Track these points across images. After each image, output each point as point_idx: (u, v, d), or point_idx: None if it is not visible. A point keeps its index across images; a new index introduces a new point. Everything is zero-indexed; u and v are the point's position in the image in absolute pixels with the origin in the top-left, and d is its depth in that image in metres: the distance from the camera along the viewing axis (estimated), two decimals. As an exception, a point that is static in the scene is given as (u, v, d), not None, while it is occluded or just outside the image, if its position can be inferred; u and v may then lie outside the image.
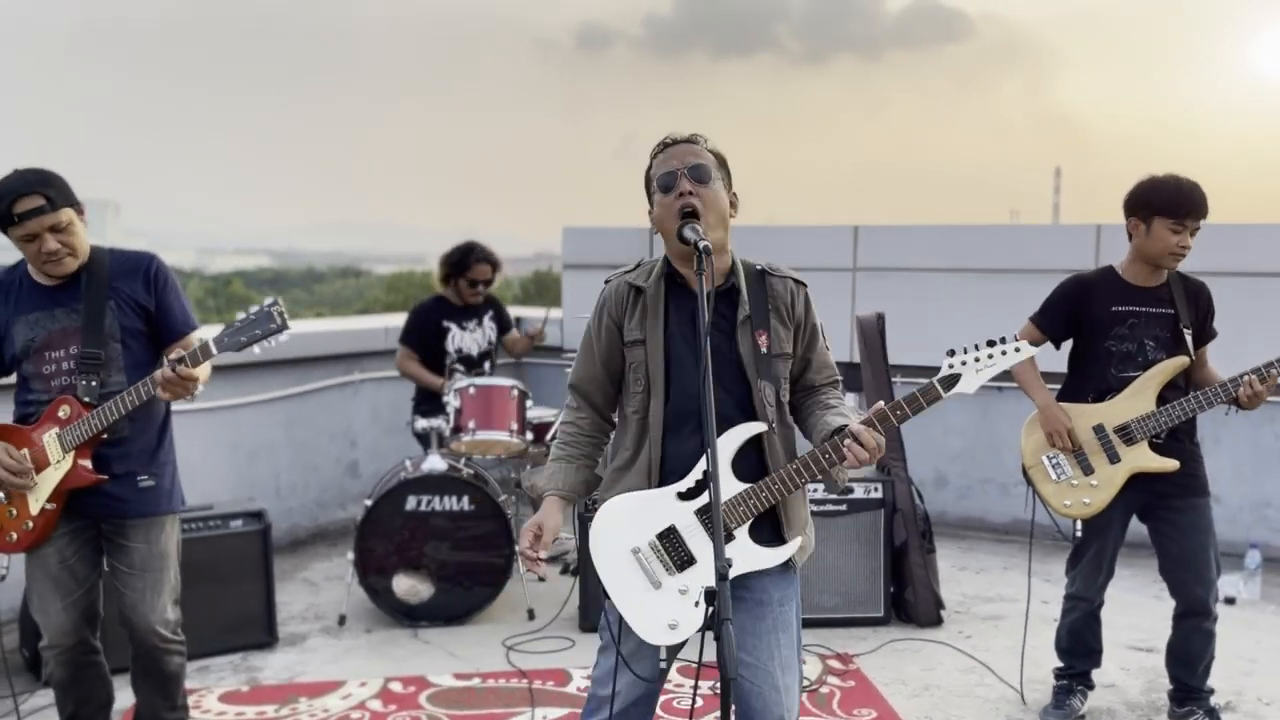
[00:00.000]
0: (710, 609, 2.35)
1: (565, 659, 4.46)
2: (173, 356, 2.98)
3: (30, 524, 3.12)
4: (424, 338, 5.62)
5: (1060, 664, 3.94)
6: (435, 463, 4.90)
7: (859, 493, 4.87)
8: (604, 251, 7.65)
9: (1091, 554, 3.72)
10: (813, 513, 4.94)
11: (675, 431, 2.51)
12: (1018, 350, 2.42)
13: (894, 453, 5.06)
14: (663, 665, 2.53)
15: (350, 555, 4.81)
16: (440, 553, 4.81)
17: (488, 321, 5.81)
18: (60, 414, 3.08)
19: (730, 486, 2.45)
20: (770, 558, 2.49)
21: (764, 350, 2.51)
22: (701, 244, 2.38)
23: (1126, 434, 3.53)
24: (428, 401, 5.49)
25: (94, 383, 3.09)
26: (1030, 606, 4.26)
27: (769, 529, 2.52)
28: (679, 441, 2.51)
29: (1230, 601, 5.11)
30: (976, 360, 2.43)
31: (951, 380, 2.41)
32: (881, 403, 2.44)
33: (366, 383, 6.70)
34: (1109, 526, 3.65)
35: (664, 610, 2.48)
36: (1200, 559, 3.58)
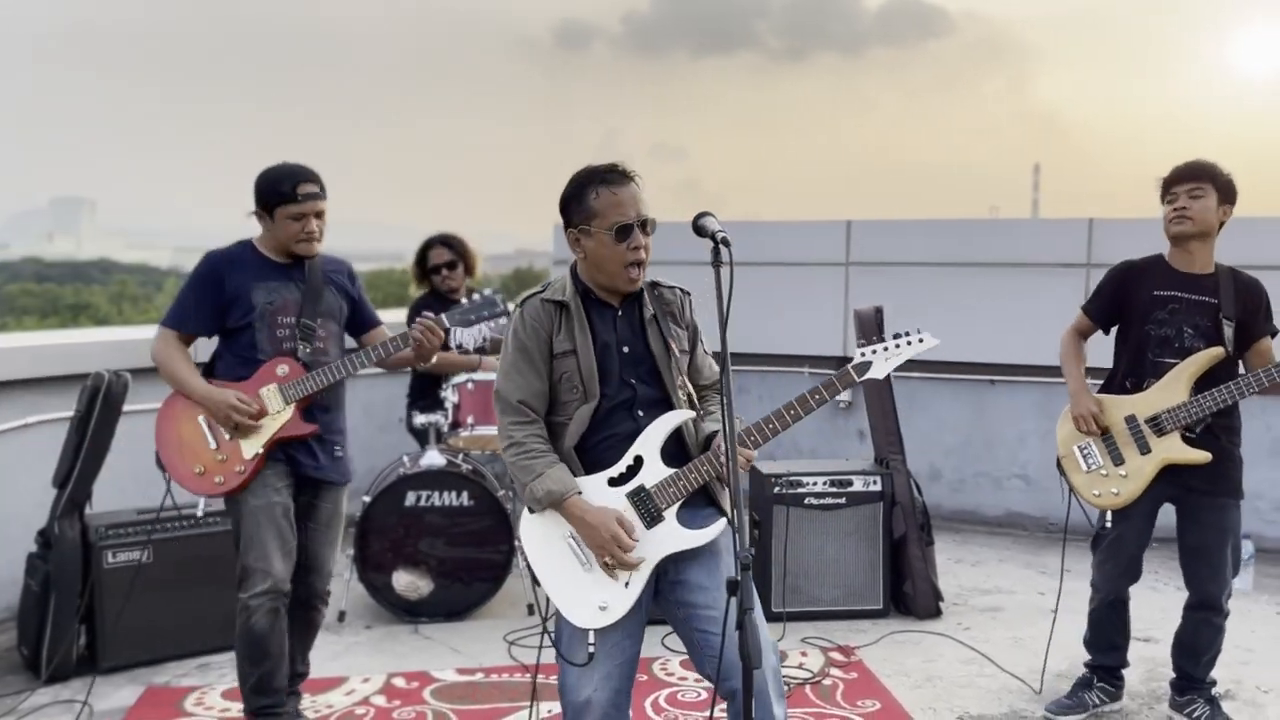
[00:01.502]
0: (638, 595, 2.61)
1: (567, 653, 4.45)
2: (418, 321, 3.49)
3: (241, 468, 3.45)
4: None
5: (1088, 655, 3.93)
6: (434, 458, 4.89)
7: (858, 486, 4.88)
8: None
9: (1108, 543, 3.70)
10: (812, 505, 4.96)
11: (606, 426, 2.69)
12: (921, 340, 2.73)
13: (893, 446, 5.08)
14: (590, 650, 2.61)
15: (349, 551, 4.79)
16: (439, 548, 4.80)
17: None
18: (279, 371, 3.48)
19: (659, 470, 2.65)
20: (697, 538, 2.64)
21: (674, 349, 2.75)
22: (719, 235, 2.51)
23: (1157, 424, 3.52)
24: (425, 397, 5.47)
25: (308, 349, 3.52)
26: (1058, 600, 4.19)
27: (702, 503, 2.71)
28: (609, 433, 2.68)
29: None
30: (885, 349, 2.73)
31: (864, 367, 2.71)
32: (805, 392, 2.70)
33: (357, 380, 6.65)
34: (1129, 516, 3.63)
35: (594, 592, 2.62)
36: (1218, 558, 3.59)
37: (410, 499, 4.78)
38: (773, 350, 6.95)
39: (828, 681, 4.16)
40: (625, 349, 2.72)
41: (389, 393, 6.55)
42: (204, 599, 4.39)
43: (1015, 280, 6.54)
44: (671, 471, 2.64)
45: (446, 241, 5.56)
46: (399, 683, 4.15)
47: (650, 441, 2.65)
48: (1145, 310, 3.59)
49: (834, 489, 4.88)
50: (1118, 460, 3.58)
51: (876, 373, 2.72)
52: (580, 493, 2.63)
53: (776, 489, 4.83)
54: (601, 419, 2.69)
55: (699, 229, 2.72)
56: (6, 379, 4.75)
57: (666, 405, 2.71)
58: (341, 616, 4.82)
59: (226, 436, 3.46)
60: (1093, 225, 6.33)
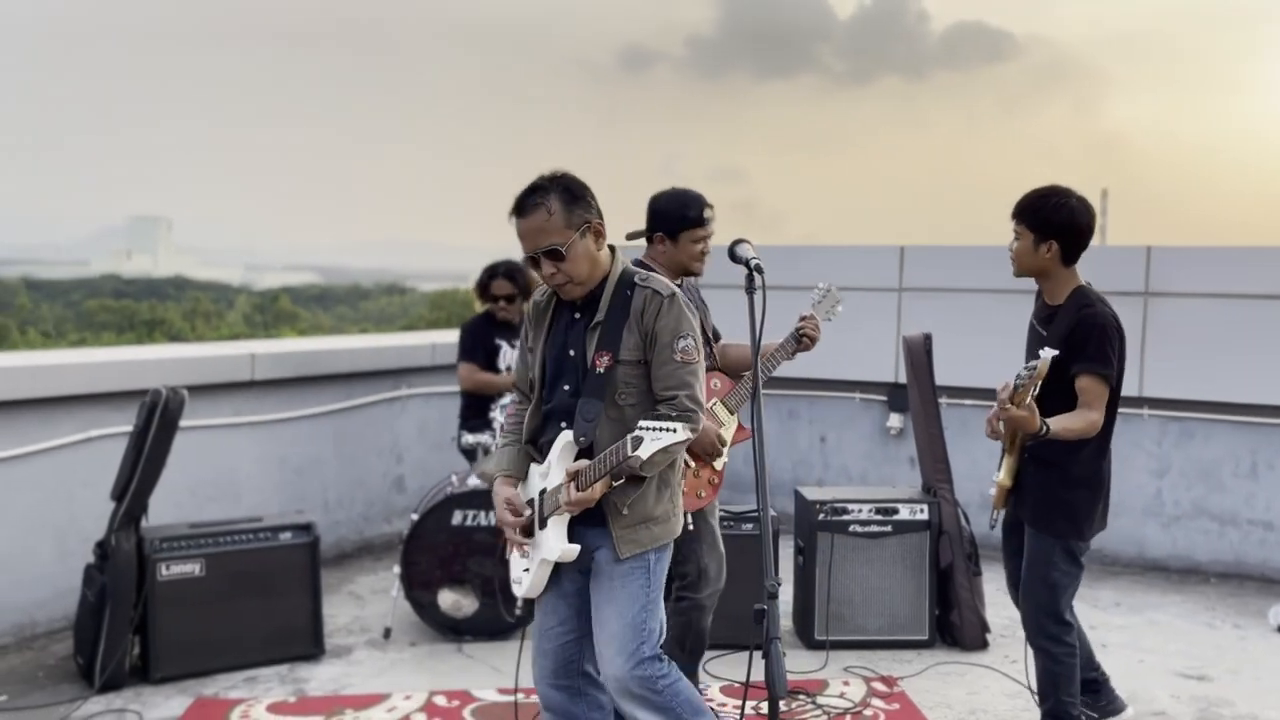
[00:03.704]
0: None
1: (608, 676, 4.46)
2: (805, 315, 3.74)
3: (715, 479, 3.65)
4: (485, 354, 5.65)
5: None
6: (481, 478, 4.94)
7: (904, 514, 4.84)
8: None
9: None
10: (857, 533, 4.89)
11: (550, 427, 2.89)
12: (674, 432, 2.56)
13: (940, 474, 5.03)
14: (518, 612, 2.89)
15: (396, 569, 4.85)
16: (485, 568, 4.84)
17: None
18: (712, 385, 3.64)
19: (555, 478, 2.81)
20: (551, 552, 2.80)
21: (599, 370, 2.79)
22: (753, 262, 2.67)
23: (1004, 446, 3.55)
24: (475, 417, 5.53)
25: (711, 361, 3.68)
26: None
27: (594, 519, 2.81)
28: (548, 437, 2.88)
29: (1282, 630, 5.03)
30: (657, 432, 2.57)
31: (637, 441, 2.56)
32: (582, 463, 2.73)
33: (413, 398, 6.77)
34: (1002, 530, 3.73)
35: (516, 565, 2.97)
36: (1022, 583, 3.57)
37: (457, 518, 4.83)
38: (823, 375, 6.91)
39: (869, 712, 4.12)
40: (571, 353, 2.86)
41: (443, 411, 6.64)
42: (253, 613, 4.47)
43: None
44: (559, 482, 2.80)
45: (510, 275, 5.66)
46: (440, 701, 4.19)
47: (555, 453, 2.83)
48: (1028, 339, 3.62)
49: (880, 517, 4.84)
50: (1000, 468, 3.59)
51: (643, 451, 2.56)
52: (508, 475, 2.96)
53: (821, 515, 4.80)
54: (546, 420, 2.92)
55: (734, 256, 2.75)
56: (69, 394, 4.90)
57: (598, 413, 2.80)
58: (387, 633, 4.88)
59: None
60: (1151, 253, 6.23)
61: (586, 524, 2.84)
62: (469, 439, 5.14)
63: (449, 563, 4.82)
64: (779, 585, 2.25)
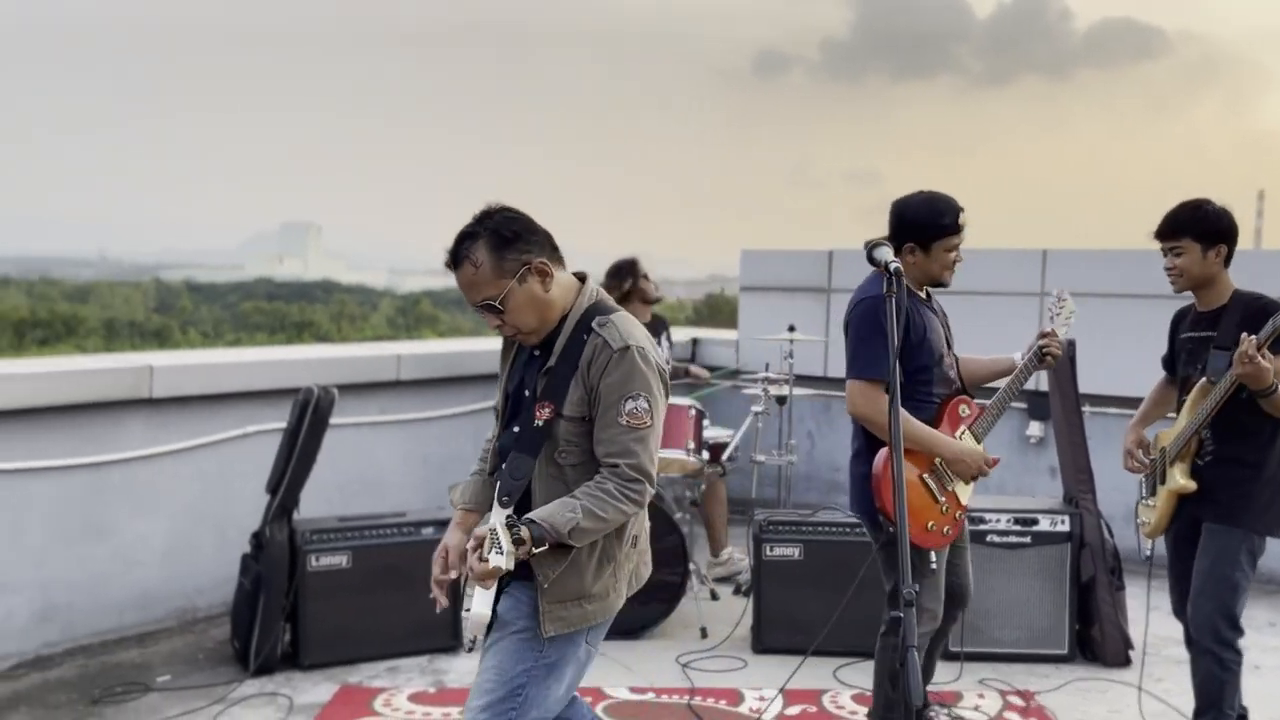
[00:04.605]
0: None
1: (738, 679, 4.49)
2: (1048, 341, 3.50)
3: (960, 514, 3.48)
4: None
5: None
6: (614, 479, 5.01)
7: (1044, 525, 4.73)
8: (781, 275, 7.66)
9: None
10: (994, 544, 4.79)
11: (509, 457, 2.58)
12: (502, 554, 2.35)
13: (1083, 485, 4.89)
14: (469, 643, 2.56)
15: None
16: (617, 568, 4.91)
17: (664, 341, 5.95)
18: (961, 412, 3.49)
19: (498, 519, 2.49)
20: (477, 619, 2.45)
21: (538, 422, 2.50)
22: (892, 265, 2.54)
23: (1169, 455, 3.55)
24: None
25: (958, 381, 3.56)
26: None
27: (526, 573, 2.49)
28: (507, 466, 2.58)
29: None
30: (499, 547, 2.35)
31: (494, 543, 2.35)
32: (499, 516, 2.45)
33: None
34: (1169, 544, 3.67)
35: (470, 598, 2.57)
36: (1199, 583, 3.46)
37: (590, 518, 4.91)
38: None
39: (1004, 725, 4.04)
40: (527, 393, 2.59)
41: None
42: (396, 605, 4.64)
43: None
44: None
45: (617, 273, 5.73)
46: (573, 696, 4.27)
47: (494, 508, 2.56)
48: (1180, 353, 3.62)
49: (1018, 527, 4.74)
50: (1153, 491, 3.62)
51: (492, 559, 2.35)
52: (468, 510, 2.76)
53: (956, 524, 4.72)
54: (501, 455, 2.63)
55: (872, 259, 2.73)
56: (228, 391, 5.17)
57: (527, 471, 2.54)
58: (522, 629, 5.00)
59: (949, 486, 3.42)
60: (1315, 256, 5.93)
61: (519, 576, 2.50)
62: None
63: (582, 562, 4.90)
64: (916, 592, 2.22)
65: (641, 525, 2.72)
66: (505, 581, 2.53)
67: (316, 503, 4.95)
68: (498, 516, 2.49)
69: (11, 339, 44.48)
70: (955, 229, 3.39)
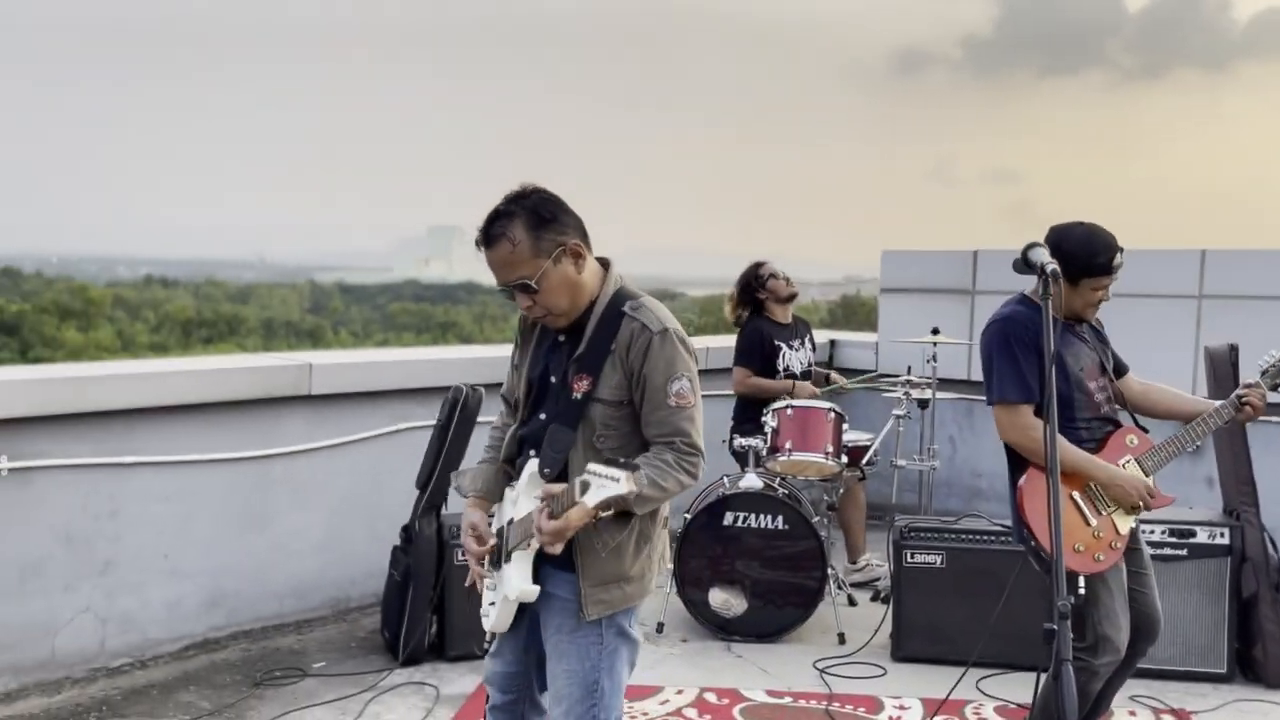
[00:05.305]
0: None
1: (876, 686, 4.44)
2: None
3: (1119, 543, 3.32)
4: (762, 358, 5.76)
5: None
6: (752, 480, 5.03)
7: (1202, 537, 4.54)
8: (923, 275, 7.53)
9: None
10: (1151, 556, 4.62)
11: (525, 450, 2.66)
12: (616, 482, 2.26)
13: (1245, 496, 4.67)
14: (486, 645, 2.66)
15: (669, 565, 5.01)
16: (754, 569, 4.92)
17: (807, 341, 5.93)
18: (1128, 441, 3.41)
19: (524, 508, 2.56)
20: (526, 594, 2.53)
21: (576, 395, 2.52)
22: (1049, 267, 2.51)
23: None
24: (748, 421, 5.63)
25: (1115, 409, 3.48)
26: None
27: (562, 562, 2.52)
28: (524, 459, 2.66)
29: None
30: (602, 479, 2.27)
31: (584, 486, 2.28)
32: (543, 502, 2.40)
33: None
34: None
35: (487, 596, 2.70)
36: None
37: (728, 519, 4.94)
38: (1113, 387, 6.55)
39: (1157, 744, 3.90)
40: (552, 380, 2.62)
41: (713, 415, 6.75)
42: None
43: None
44: (525, 515, 2.54)
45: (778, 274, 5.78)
46: (710, 698, 4.30)
47: (521, 484, 2.61)
48: None
49: (1174, 539, 4.55)
50: None
51: (588, 499, 2.27)
52: (480, 497, 2.77)
53: (1107, 535, 4.57)
54: (521, 445, 2.69)
55: (1028, 262, 2.67)
56: (382, 389, 5.38)
57: (570, 443, 2.54)
58: (660, 628, 5.05)
59: (1104, 510, 3.33)
60: None
61: (555, 564, 2.53)
62: (741, 442, 5.24)
63: (719, 562, 4.94)
64: (1071, 605, 2.18)
65: (665, 506, 2.74)
66: (538, 571, 2.56)
67: (462, 498, 5.09)
68: (528, 489, 2.55)
69: (180, 337, 47.05)
70: (1108, 269, 3.30)
